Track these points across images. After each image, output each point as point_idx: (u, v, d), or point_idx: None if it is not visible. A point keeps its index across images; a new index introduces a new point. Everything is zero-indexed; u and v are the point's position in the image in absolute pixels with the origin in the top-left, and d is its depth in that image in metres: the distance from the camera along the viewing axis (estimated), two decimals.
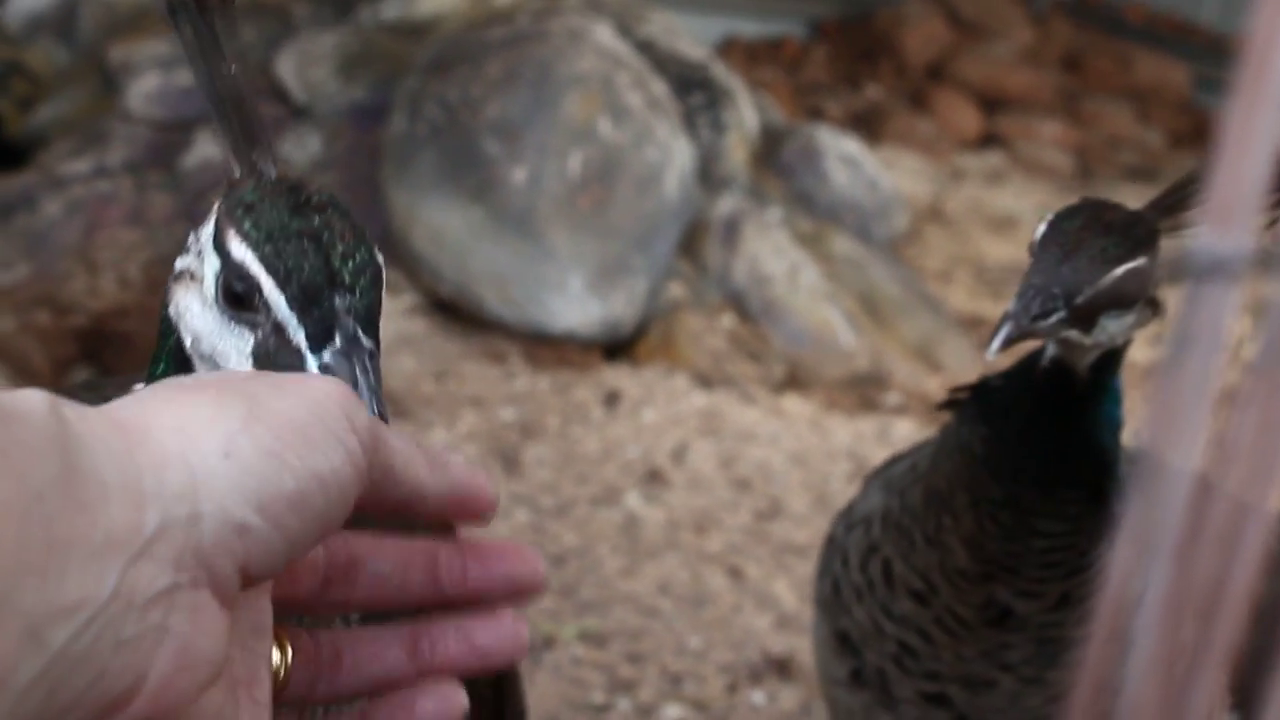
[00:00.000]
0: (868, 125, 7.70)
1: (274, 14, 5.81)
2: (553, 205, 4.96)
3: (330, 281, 1.22)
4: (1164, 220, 1.99)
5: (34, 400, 0.78)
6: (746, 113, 5.78)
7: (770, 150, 5.88)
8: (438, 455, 1.00)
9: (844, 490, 4.21)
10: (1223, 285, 0.59)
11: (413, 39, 5.64)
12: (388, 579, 1.01)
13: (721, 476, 4.31)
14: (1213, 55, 8.53)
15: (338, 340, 1.18)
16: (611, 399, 4.62)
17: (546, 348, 4.81)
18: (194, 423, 0.84)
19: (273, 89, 5.51)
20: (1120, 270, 1.96)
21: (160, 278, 4.75)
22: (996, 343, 1.94)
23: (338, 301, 1.22)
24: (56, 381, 4.23)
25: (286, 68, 5.54)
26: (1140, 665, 0.60)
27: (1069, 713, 0.61)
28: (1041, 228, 1.99)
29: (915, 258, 6.00)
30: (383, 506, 0.95)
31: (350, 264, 1.24)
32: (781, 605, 3.80)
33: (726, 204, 5.41)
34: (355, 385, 1.11)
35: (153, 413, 0.85)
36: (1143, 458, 0.59)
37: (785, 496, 4.23)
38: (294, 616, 1.03)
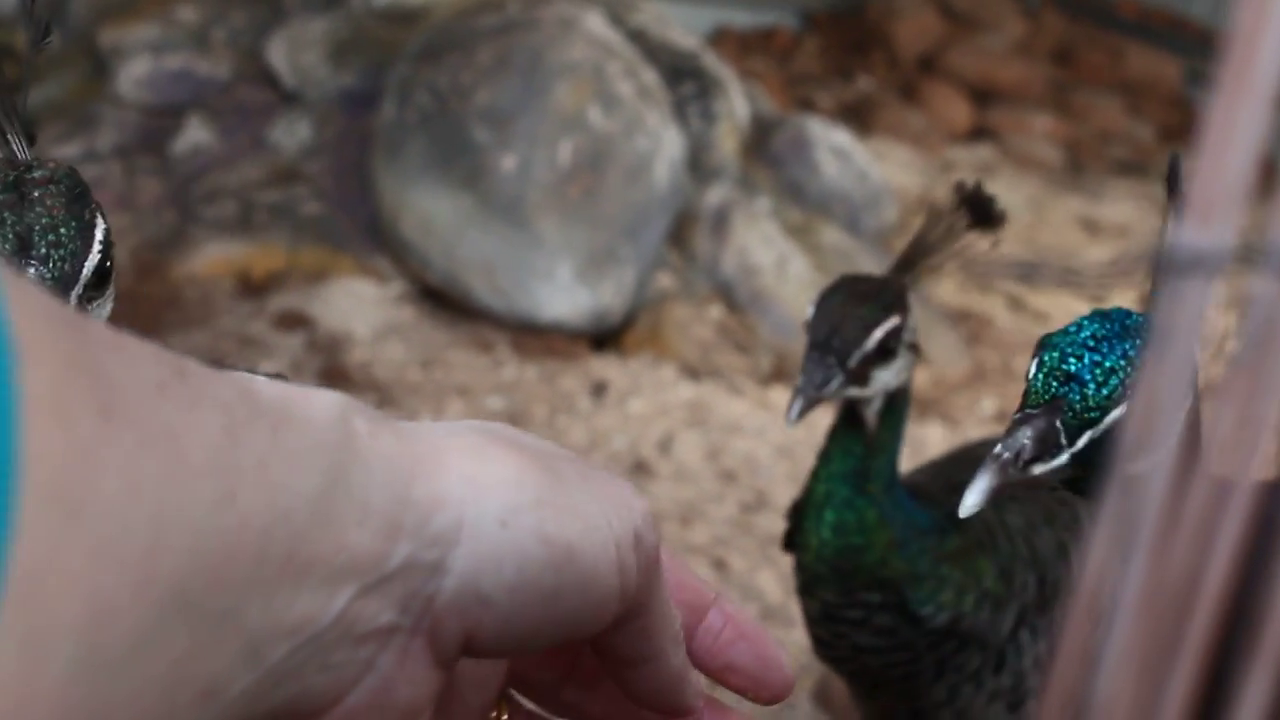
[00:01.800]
0: (858, 117, 7.70)
1: (265, 0, 5.81)
2: (542, 194, 4.96)
3: (21, 250, 1.23)
4: (908, 275, 2.52)
5: (323, 405, 0.76)
6: (737, 103, 5.78)
7: (761, 141, 5.87)
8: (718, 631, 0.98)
9: None
10: (1203, 280, 0.59)
11: (404, 26, 5.63)
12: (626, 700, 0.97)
13: (708, 468, 4.31)
14: (1204, 50, 8.53)
15: None
16: (599, 389, 4.62)
17: (534, 337, 4.80)
18: (488, 479, 0.82)
19: (263, 74, 5.50)
20: (879, 332, 2.41)
21: (150, 262, 4.76)
22: (793, 414, 2.37)
23: (30, 271, 1.23)
24: None
25: (277, 53, 5.53)
26: (1114, 660, 0.60)
27: (1043, 708, 0.61)
28: (810, 309, 2.43)
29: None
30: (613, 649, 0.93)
31: (49, 236, 1.25)
32: (766, 597, 3.81)
33: (716, 194, 5.41)
34: None
35: (454, 452, 0.82)
36: (1121, 450, 0.59)
37: (771, 489, 4.23)
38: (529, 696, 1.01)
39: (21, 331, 0.59)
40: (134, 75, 5.42)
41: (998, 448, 1.53)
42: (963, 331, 5.36)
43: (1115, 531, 0.59)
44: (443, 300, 4.89)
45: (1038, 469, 1.52)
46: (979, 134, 7.98)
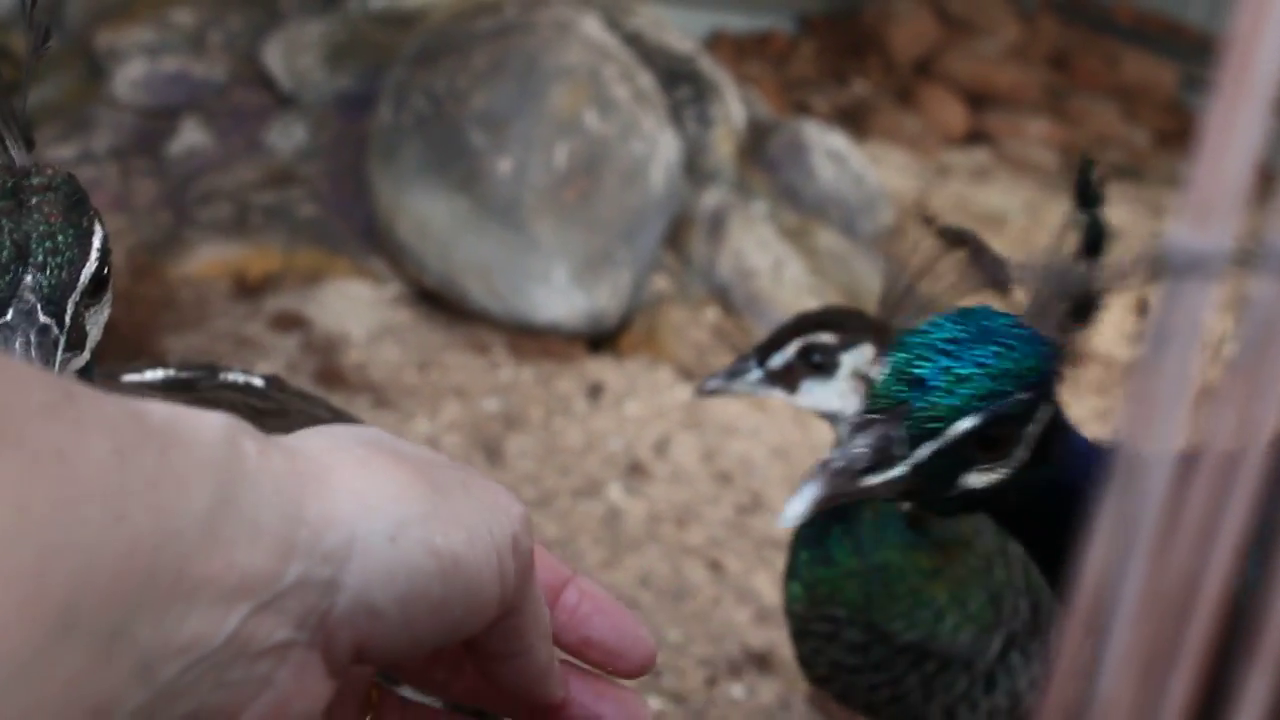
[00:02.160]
0: (854, 121, 7.70)
1: (261, 3, 5.80)
2: (538, 197, 4.95)
3: (19, 257, 1.24)
4: (891, 313, 2.45)
5: (211, 426, 0.77)
6: (733, 106, 5.78)
7: (757, 144, 5.88)
8: (584, 616, 1.00)
9: None
10: (1200, 283, 0.59)
11: (400, 29, 5.63)
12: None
13: (703, 469, 4.31)
14: (1200, 55, 8.53)
15: (10, 314, 1.20)
16: (595, 391, 4.62)
17: (530, 339, 4.80)
18: (375, 495, 0.83)
19: (259, 77, 5.50)
20: (799, 341, 2.50)
21: (145, 263, 4.75)
22: (703, 387, 2.57)
23: (27, 278, 1.24)
24: None
25: (274, 56, 5.53)
26: (1115, 660, 0.60)
27: (1043, 709, 0.61)
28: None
29: (901, 253, 5.99)
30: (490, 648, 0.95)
31: (46, 244, 1.26)
32: (761, 599, 3.81)
33: (712, 197, 5.41)
34: (17, 357, 1.12)
35: (342, 467, 0.83)
36: (1120, 453, 0.59)
37: (766, 490, 4.24)
38: (394, 681, 1.03)
39: None
40: (130, 77, 5.42)
41: (831, 453, 1.43)
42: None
43: (1115, 533, 0.59)
44: (439, 302, 4.89)
45: (872, 480, 1.41)
46: (975, 138, 7.99)
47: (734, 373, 2.51)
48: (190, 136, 5.29)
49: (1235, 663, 0.61)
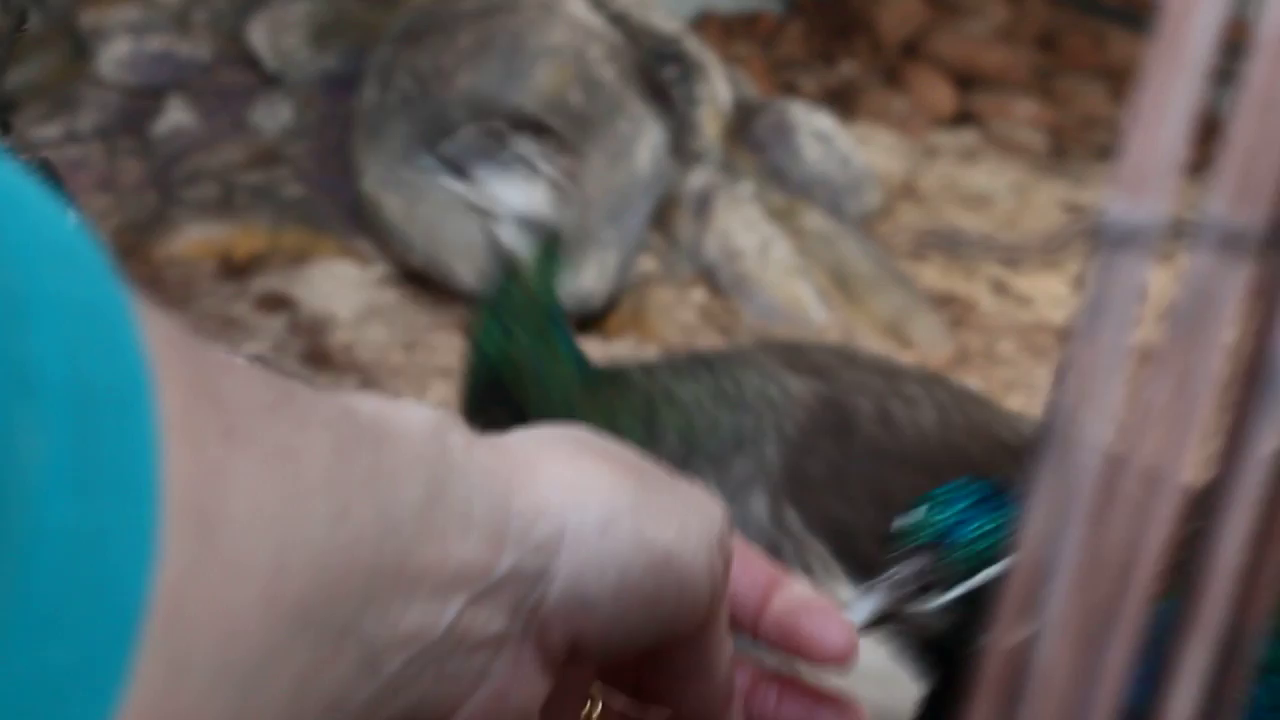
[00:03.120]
0: (842, 102, 7.69)
1: None
2: None
3: None
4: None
5: (417, 419, 0.77)
6: (720, 87, 5.78)
7: (743, 125, 5.88)
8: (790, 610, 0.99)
9: None
10: (1136, 254, 0.59)
11: (385, 8, 5.63)
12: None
13: None
14: None
15: None
16: None
17: None
18: (584, 487, 0.84)
19: (244, 56, 5.50)
20: None
21: (131, 243, 4.76)
22: None
23: None
24: None
25: (259, 35, 5.53)
26: (1052, 630, 0.61)
27: (979, 682, 0.62)
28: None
29: (887, 234, 6.00)
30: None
31: None
32: None
33: (698, 178, 5.41)
34: None
35: (548, 461, 0.84)
36: (1055, 424, 0.60)
37: None
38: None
39: (154, 357, 0.60)
40: (115, 56, 5.42)
41: (889, 573, 1.52)
42: (945, 315, 5.36)
43: (1052, 503, 0.60)
44: (425, 283, 4.89)
45: (920, 604, 1.52)
46: (962, 119, 7.98)
47: None
48: (175, 116, 5.29)
49: (1174, 631, 0.62)
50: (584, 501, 0.80)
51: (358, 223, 5.04)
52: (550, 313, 2.59)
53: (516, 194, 2.42)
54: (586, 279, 4.87)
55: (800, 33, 8.63)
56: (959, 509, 1.52)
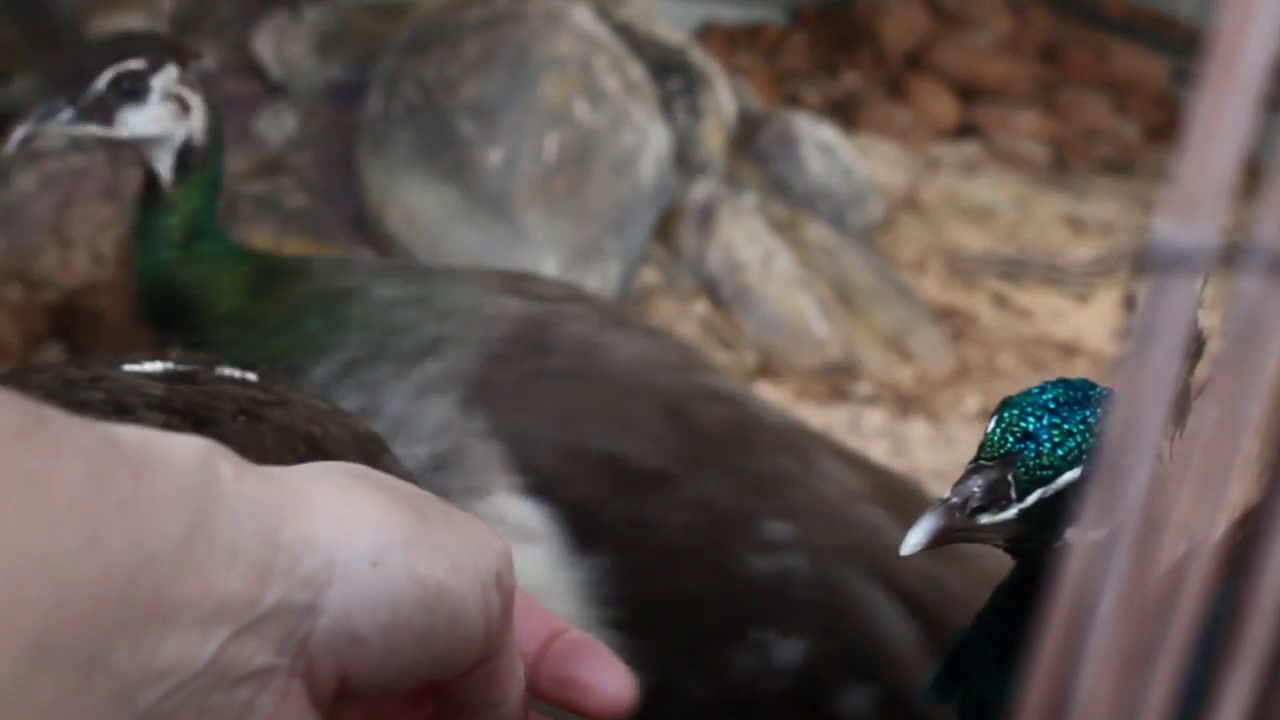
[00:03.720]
0: (845, 113, 7.70)
1: None
2: (528, 187, 4.96)
3: None
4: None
5: (187, 449, 0.76)
6: (724, 98, 5.78)
7: (747, 136, 5.88)
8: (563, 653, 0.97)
9: None
10: (1186, 279, 0.59)
11: (391, 18, 5.63)
12: None
13: None
14: (1190, 49, 8.54)
15: None
16: None
17: None
18: (357, 520, 0.82)
19: (249, 66, 5.50)
20: (110, 71, 2.59)
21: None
22: (21, 132, 2.63)
23: None
24: (26, 358, 4.22)
25: (264, 44, 5.52)
26: (1095, 661, 0.60)
27: (1023, 707, 0.61)
28: None
29: (889, 247, 6.00)
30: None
31: None
32: None
33: (702, 189, 5.41)
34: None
35: (321, 494, 0.82)
36: (1104, 450, 0.59)
37: None
38: None
39: None
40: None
41: (947, 492, 1.49)
42: (946, 329, 5.36)
43: (1098, 528, 0.59)
44: None
45: (985, 519, 1.48)
46: (965, 131, 7.99)
47: (44, 115, 2.59)
48: None
49: (1218, 661, 0.61)
50: (355, 535, 0.79)
51: (361, 233, 5.03)
52: (196, 225, 2.64)
53: (146, 120, 2.49)
54: (589, 288, 4.87)
55: (804, 44, 8.64)
56: (1034, 417, 1.49)
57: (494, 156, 4.97)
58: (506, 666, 0.91)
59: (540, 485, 2.43)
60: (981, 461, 1.50)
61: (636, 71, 5.37)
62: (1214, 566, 0.61)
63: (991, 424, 1.51)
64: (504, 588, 0.87)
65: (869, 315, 5.24)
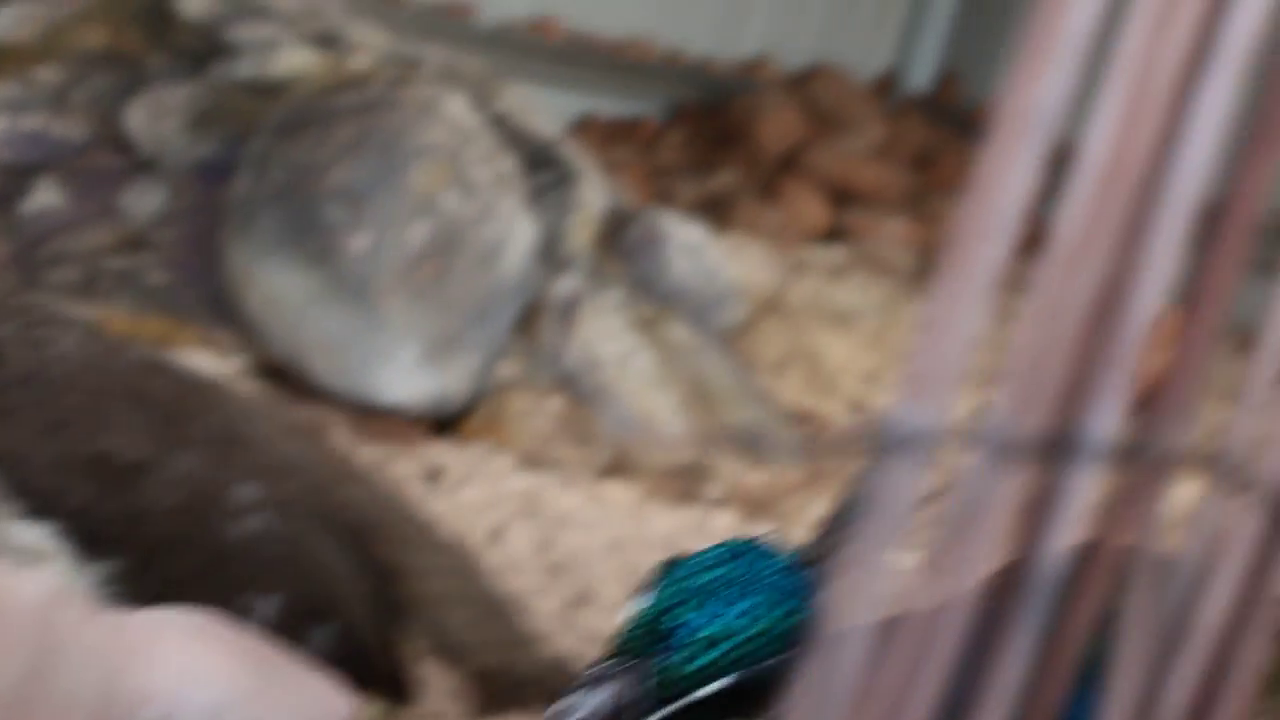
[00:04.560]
0: (717, 211, 7.74)
1: (128, 63, 5.77)
2: (391, 276, 4.96)
3: None
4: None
5: (25, 596, 0.76)
6: (593, 194, 5.80)
7: (615, 233, 5.90)
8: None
9: None
10: (911, 458, 0.61)
11: (266, 98, 5.61)
12: None
13: (536, 560, 4.31)
14: (1058, 163, 8.64)
15: None
16: (434, 475, 4.61)
17: (373, 419, 4.79)
18: (197, 675, 0.82)
19: (119, 140, 5.47)
20: None
21: None
22: None
23: None
24: None
25: (137, 119, 5.50)
26: None
27: None
28: None
29: (750, 348, 6.03)
30: None
31: None
32: None
33: (566, 284, 5.42)
34: None
35: (163, 646, 0.82)
36: (821, 620, 0.62)
37: (598, 583, 4.24)
38: None
39: None
40: None
41: (560, 705, 1.29)
42: (803, 434, 5.39)
43: (814, 698, 0.62)
44: (283, 377, 4.87)
45: None
46: (834, 234, 8.05)
47: None
48: (44, 196, 5.24)
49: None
50: (194, 690, 0.79)
51: (220, 314, 5.01)
52: None
53: None
54: (446, 380, 4.88)
55: (681, 140, 8.69)
56: (680, 600, 1.27)
57: (359, 243, 4.98)
58: None
59: (39, 505, 2.38)
60: (610, 665, 1.30)
61: (507, 164, 5.40)
62: None
63: (627, 610, 1.32)
64: None
65: (725, 417, 5.27)
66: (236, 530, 2.44)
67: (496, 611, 2.90)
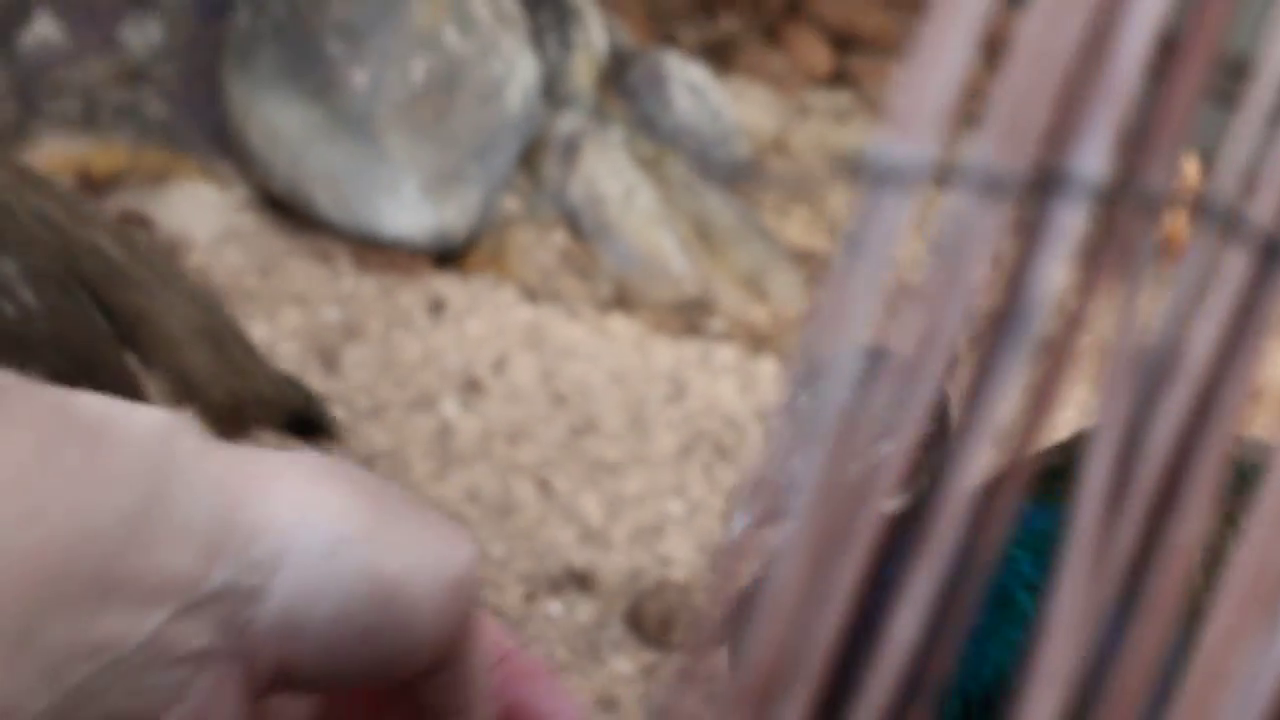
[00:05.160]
0: (720, 56, 7.68)
1: None
2: (392, 110, 4.94)
3: None
4: None
5: (144, 423, 0.74)
6: (595, 33, 5.77)
7: (617, 73, 5.87)
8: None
9: (660, 411, 4.25)
10: (898, 192, 0.61)
11: None
12: None
13: (540, 390, 4.32)
14: None
15: None
16: (437, 306, 4.61)
17: (375, 251, 4.79)
18: (317, 509, 0.79)
19: None
20: None
21: None
22: None
23: None
24: None
25: None
26: (791, 546, 0.63)
27: (714, 592, 0.64)
28: None
29: (754, 189, 6.02)
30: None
31: None
32: (588, 520, 3.83)
33: (568, 122, 5.41)
34: None
35: (284, 480, 0.79)
36: (804, 351, 0.62)
37: (601, 414, 4.26)
38: None
39: None
40: None
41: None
42: (805, 272, 5.39)
43: (795, 428, 0.62)
44: (285, 210, 4.86)
45: None
46: (838, 79, 8.01)
47: None
48: (42, 28, 5.21)
49: (905, 558, 0.64)
50: (312, 525, 0.77)
51: (221, 146, 5.00)
52: None
53: None
54: (448, 214, 4.87)
55: None
56: None
57: (360, 78, 4.95)
58: (467, 677, 0.87)
59: None
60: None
61: (508, 2, 5.36)
62: (907, 466, 0.64)
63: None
64: (464, 595, 0.83)
65: (727, 255, 5.27)
66: (11, 311, 2.37)
67: (231, 346, 2.82)
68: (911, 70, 0.60)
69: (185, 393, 2.64)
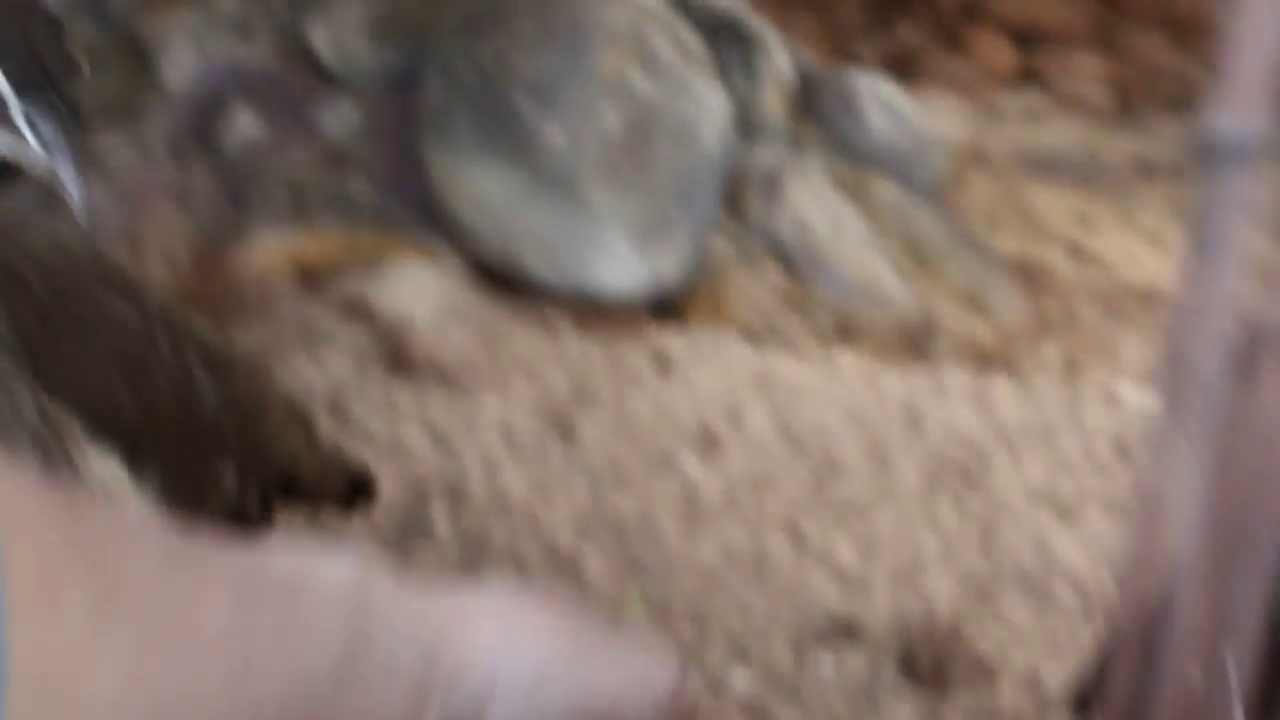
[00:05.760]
0: (902, 67, 7.63)
1: None
2: (591, 164, 4.94)
3: None
4: None
5: (338, 574, 0.75)
6: (779, 59, 5.74)
7: (806, 97, 5.84)
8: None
9: (900, 444, 4.19)
10: (1239, 169, 0.57)
11: (440, 1, 5.61)
12: None
13: (777, 436, 4.28)
14: None
15: None
16: (662, 361, 4.59)
17: (594, 311, 4.78)
18: (518, 642, 0.81)
19: (305, 58, 5.48)
20: None
21: (206, 256, 4.75)
22: None
23: None
24: None
25: (319, 36, 5.51)
26: (1186, 565, 0.59)
27: (1114, 617, 0.59)
28: None
29: (958, 201, 5.96)
30: None
31: None
32: (843, 565, 3.79)
33: (765, 154, 5.38)
34: None
35: (481, 613, 0.81)
36: (1174, 334, 0.58)
37: (841, 454, 4.21)
38: None
39: (6, 516, 0.57)
40: (178, 66, 5.41)
41: None
42: (1022, 282, 5.32)
43: (1173, 442, 0.58)
44: (499, 277, 4.87)
45: None
46: (1025, 78, 7.92)
47: None
48: (242, 123, 5.28)
49: None
50: (516, 659, 0.78)
51: (429, 220, 5.02)
52: None
53: None
54: (661, 264, 4.86)
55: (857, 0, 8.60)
56: None
57: (554, 134, 4.96)
58: None
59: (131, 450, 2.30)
60: None
61: (690, 38, 5.35)
62: None
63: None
64: (678, 708, 0.86)
65: (943, 273, 5.21)
66: (201, 408, 2.37)
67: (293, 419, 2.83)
68: (1235, 43, 0.56)
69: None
